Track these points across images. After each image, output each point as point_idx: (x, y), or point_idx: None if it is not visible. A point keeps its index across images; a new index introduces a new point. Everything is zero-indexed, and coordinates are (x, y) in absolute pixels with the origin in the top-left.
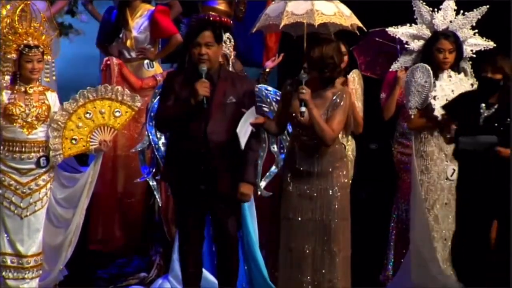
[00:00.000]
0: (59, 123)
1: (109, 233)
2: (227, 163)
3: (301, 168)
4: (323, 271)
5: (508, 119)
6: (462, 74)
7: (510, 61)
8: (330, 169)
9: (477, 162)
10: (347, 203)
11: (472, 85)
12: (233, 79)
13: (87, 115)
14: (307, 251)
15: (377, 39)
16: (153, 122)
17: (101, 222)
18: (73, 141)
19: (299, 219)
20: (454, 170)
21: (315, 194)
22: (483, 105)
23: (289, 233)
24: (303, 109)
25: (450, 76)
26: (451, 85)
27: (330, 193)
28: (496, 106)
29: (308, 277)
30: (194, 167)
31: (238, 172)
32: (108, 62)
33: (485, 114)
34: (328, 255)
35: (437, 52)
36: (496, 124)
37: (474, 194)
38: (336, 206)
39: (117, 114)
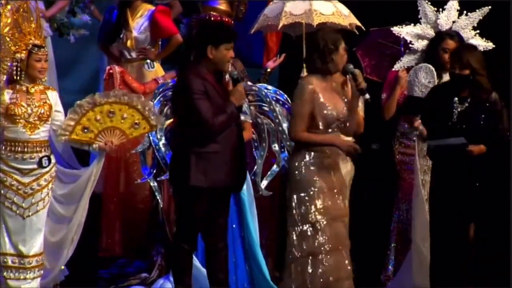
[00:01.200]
0: (83, 109)
1: (113, 241)
2: None
3: (331, 164)
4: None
5: (483, 116)
6: None
7: (475, 55)
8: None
9: (451, 163)
10: None
11: None
12: None
13: (110, 114)
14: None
15: (380, 40)
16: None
17: (105, 229)
18: (85, 130)
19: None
20: None
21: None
22: (456, 99)
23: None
24: (368, 95)
25: None
26: None
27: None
28: (469, 100)
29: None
30: (237, 168)
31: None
32: (111, 71)
33: (459, 109)
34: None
35: (442, 52)
36: (466, 124)
37: (449, 195)
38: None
39: (136, 126)
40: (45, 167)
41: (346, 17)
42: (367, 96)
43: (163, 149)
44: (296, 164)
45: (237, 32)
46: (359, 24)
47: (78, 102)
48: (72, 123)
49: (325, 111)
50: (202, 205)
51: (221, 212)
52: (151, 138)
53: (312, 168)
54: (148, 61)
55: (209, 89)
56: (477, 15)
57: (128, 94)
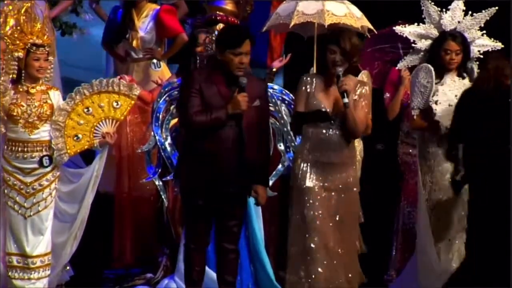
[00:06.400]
0: (59, 123)
1: (125, 250)
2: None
3: (324, 161)
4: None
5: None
6: (466, 79)
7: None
8: (350, 163)
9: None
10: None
11: None
12: (253, 82)
13: (87, 111)
14: (331, 248)
15: (374, 48)
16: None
17: (117, 239)
18: (76, 139)
19: (321, 214)
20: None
21: (340, 186)
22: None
23: (311, 229)
24: (346, 100)
25: (454, 81)
26: (454, 90)
27: (350, 186)
28: None
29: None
30: (227, 169)
31: (255, 174)
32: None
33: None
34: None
35: (444, 53)
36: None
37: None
38: (354, 201)
39: (116, 105)
40: (46, 167)
41: (358, 19)
42: (345, 100)
43: (168, 148)
44: None
45: (246, 38)
46: (371, 27)
47: (52, 119)
48: (61, 139)
49: (314, 102)
50: (196, 203)
51: (230, 214)
52: (157, 137)
53: None
54: (155, 60)
55: (207, 89)
56: (483, 16)
57: (89, 85)
